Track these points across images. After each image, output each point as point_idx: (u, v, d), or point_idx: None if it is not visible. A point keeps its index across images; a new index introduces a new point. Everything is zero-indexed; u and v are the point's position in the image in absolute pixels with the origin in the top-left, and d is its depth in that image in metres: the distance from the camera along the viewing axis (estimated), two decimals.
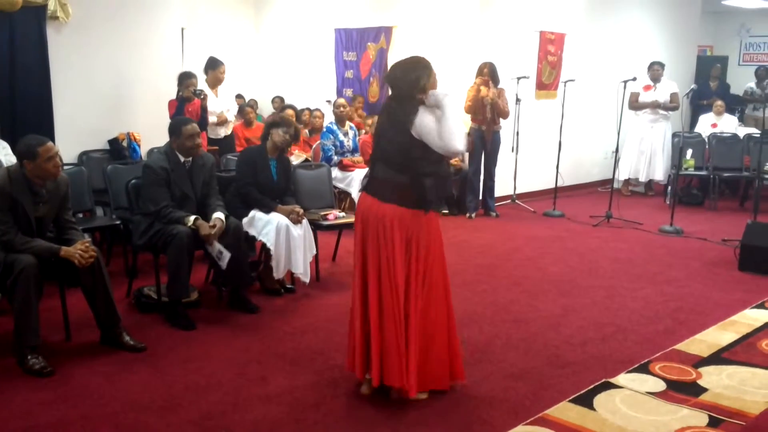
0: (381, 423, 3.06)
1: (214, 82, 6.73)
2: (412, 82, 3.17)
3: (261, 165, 4.81)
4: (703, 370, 3.68)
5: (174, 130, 4.35)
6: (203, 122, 6.18)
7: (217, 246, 4.20)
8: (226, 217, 4.34)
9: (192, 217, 4.18)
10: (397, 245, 3.10)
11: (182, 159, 4.33)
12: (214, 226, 4.20)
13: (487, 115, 7.48)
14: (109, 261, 5.14)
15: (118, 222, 5.09)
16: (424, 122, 3.05)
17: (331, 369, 3.61)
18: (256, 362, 3.68)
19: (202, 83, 6.49)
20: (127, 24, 6.34)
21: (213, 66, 6.73)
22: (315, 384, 3.43)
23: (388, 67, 8.65)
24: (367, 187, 3.24)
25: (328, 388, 3.38)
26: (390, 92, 3.40)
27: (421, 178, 3.07)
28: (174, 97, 6.24)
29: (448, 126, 3.02)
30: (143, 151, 6.30)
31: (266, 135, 4.90)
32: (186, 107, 6.09)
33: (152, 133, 6.32)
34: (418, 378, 3.14)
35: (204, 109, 6.23)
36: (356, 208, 3.31)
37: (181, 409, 3.16)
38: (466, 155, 7.84)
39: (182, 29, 7.57)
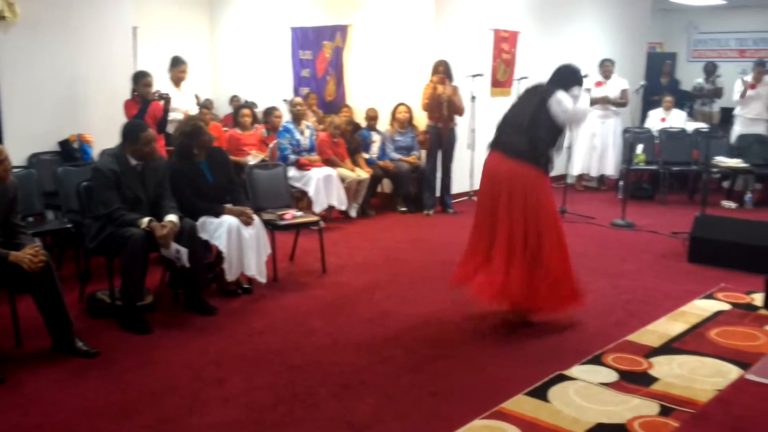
0: (338, 421, 3.07)
1: (177, 80, 6.82)
2: (574, 74, 4.32)
3: (192, 174, 4.70)
4: (655, 360, 3.78)
5: (130, 135, 4.27)
6: (163, 124, 6.20)
7: (174, 246, 4.15)
8: (181, 219, 4.29)
9: (146, 219, 4.13)
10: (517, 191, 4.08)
11: (134, 162, 4.27)
12: (165, 227, 4.14)
13: (443, 113, 7.54)
14: (61, 265, 5.04)
15: (69, 225, 4.98)
16: (561, 98, 4.11)
17: (290, 369, 3.60)
18: (214, 365, 3.65)
19: (160, 82, 6.44)
20: (77, 23, 6.22)
21: (175, 64, 6.87)
22: (273, 385, 3.42)
23: (345, 66, 8.75)
24: (494, 145, 4.25)
25: (287, 389, 3.37)
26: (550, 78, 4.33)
27: (537, 142, 4.08)
28: (129, 97, 6.15)
29: (580, 107, 4.25)
30: (95, 152, 6.18)
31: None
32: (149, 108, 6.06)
33: (104, 135, 6.19)
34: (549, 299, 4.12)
35: (166, 112, 6.23)
36: (485, 163, 4.28)
37: (137, 414, 3.12)
38: (423, 152, 7.89)
39: (134, 28, 7.46)
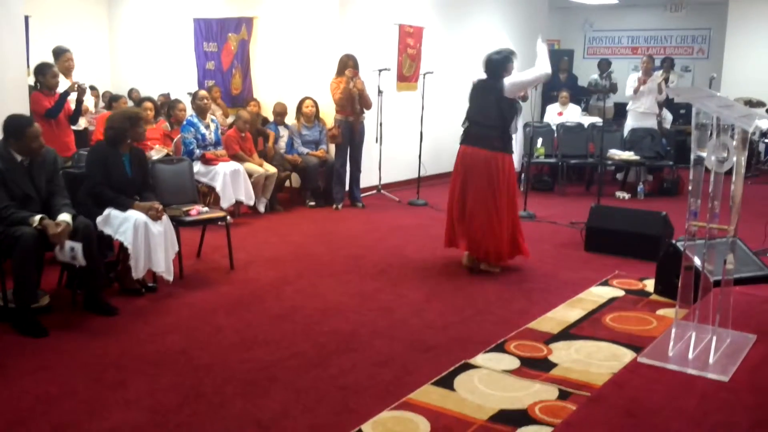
0: (245, 419, 3.04)
1: (65, 71, 6.55)
2: (502, 62, 5.22)
3: (112, 161, 4.59)
4: (554, 346, 3.93)
5: (14, 132, 4.04)
6: (76, 117, 6.08)
7: (68, 244, 3.98)
8: (74, 217, 4.11)
9: (37, 217, 3.94)
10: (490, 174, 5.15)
11: (20, 158, 4.06)
12: (59, 225, 3.97)
13: (356, 107, 7.56)
14: None
15: None
16: (511, 80, 5.14)
17: (195, 369, 3.54)
18: (114, 367, 3.53)
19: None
20: None
21: (58, 54, 6.64)
22: (178, 385, 3.35)
23: (251, 59, 8.62)
24: (465, 140, 5.29)
25: (191, 389, 3.31)
26: (484, 70, 5.24)
27: (508, 131, 5.14)
28: (32, 88, 5.90)
29: (528, 71, 5.26)
30: None
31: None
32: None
33: None
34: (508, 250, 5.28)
35: (80, 104, 6.12)
36: (458, 155, 5.31)
37: (31, 421, 2.98)
38: (332, 147, 7.89)
39: (27, 17, 7.08)
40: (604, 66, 11.44)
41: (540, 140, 8.93)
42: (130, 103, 8.98)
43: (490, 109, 5.14)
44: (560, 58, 12.14)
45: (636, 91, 9.22)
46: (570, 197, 8.74)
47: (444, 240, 5.53)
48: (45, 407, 3.11)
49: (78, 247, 3.99)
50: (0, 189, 3.94)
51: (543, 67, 5.25)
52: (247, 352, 3.77)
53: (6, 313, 4.06)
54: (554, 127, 9.37)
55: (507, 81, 5.12)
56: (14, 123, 4.12)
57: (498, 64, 5.22)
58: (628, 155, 8.54)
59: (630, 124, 9.45)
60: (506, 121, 5.13)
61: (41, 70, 5.90)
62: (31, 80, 6.52)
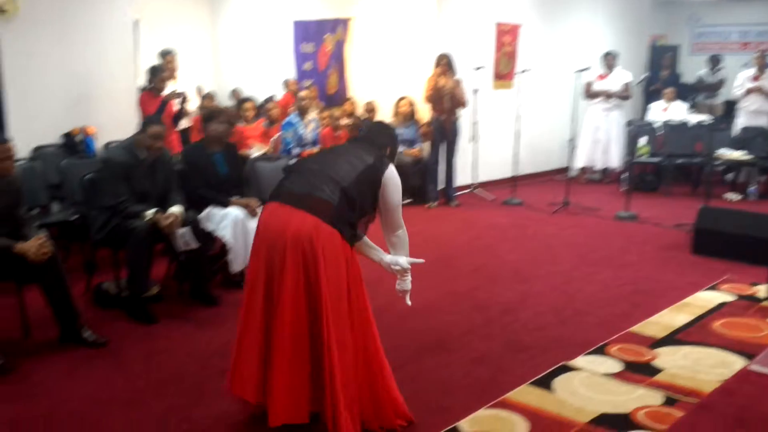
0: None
1: (170, 72, 6.93)
2: (390, 138, 3.20)
3: (204, 163, 4.71)
4: (659, 351, 3.79)
5: (142, 128, 4.32)
6: (177, 120, 6.41)
7: (179, 232, 4.17)
8: (186, 210, 4.30)
9: (151, 211, 4.14)
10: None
11: (144, 155, 4.28)
12: (169, 217, 4.15)
13: (445, 105, 7.54)
14: (67, 257, 5.05)
15: (75, 217, 5.00)
16: (393, 195, 3.02)
17: None
18: (218, 356, 3.65)
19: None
20: (78, 17, 6.24)
21: (163, 56, 7.03)
22: None
23: (346, 59, 8.75)
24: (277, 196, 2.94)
25: None
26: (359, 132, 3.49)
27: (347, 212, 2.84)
28: (139, 90, 6.25)
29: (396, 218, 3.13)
30: (98, 145, 6.21)
31: (204, 128, 4.84)
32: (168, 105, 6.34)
33: (107, 127, 6.23)
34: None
35: (181, 110, 6.57)
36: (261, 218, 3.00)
37: (144, 404, 3.14)
38: (426, 145, 7.89)
39: (135, 21, 7.47)
40: (714, 62, 10.90)
41: (644, 139, 8.60)
42: (229, 103, 9.31)
43: (342, 165, 2.88)
44: (662, 54, 11.66)
45: (750, 91, 8.73)
46: (675, 198, 8.37)
47: None
48: (156, 391, 3.27)
49: (187, 231, 4.17)
50: (122, 183, 4.18)
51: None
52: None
53: (120, 301, 4.29)
54: (659, 125, 9.01)
55: (393, 178, 2.98)
56: (145, 120, 4.39)
57: (387, 137, 3.20)
58: (740, 155, 8.10)
59: (741, 122, 8.97)
60: (352, 200, 2.84)
61: (153, 72, 6.23)
62: (142, 81, 6.88)
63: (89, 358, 3.61)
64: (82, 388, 3.28)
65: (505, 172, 8.72)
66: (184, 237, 4.19)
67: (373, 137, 3.15)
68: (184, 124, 7.04)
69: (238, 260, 4.61)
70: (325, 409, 2.72)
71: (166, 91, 6.47)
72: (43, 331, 3.86)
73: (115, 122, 6.37)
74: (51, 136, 6.08)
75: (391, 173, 2.96)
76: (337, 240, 2.75)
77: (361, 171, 2.86)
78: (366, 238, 3.14)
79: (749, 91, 8.81)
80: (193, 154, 4.78)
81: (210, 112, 4.89)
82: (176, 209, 4.25)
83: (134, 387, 3.30)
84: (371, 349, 2.91)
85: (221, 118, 4.77)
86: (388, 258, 3.14)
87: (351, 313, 2.82)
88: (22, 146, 5.44)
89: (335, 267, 2.74)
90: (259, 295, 2.79)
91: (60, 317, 3.75)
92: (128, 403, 3.15)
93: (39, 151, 5.86)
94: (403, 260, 3.12)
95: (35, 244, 3.52)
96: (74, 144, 6.13)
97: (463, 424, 2.96)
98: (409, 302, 3.15)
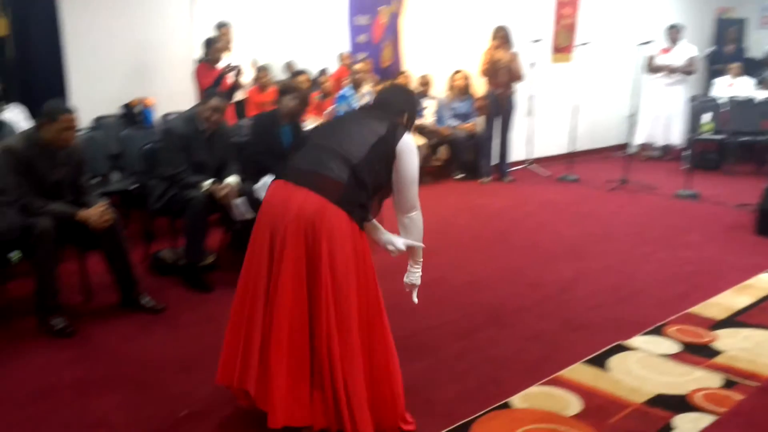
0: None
1: (225, 44, 6.95)
2: (407, 103, 2.85)
3: (271, 132, 4.75)
4: (718, 332, 3.68)
5: (203, 99, 4.38)
6: (231, 94, 6.50)
7: (235, 202, 4.23)
8: (242, 181, 4.35)
9: (207, 182, 4.20)
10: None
11: (203, 127, 4.33)
12: (224, 188, 4.21)
13: (501, 79, 7.41)
14: (127, 225, 5.16)
15: (134, 186, 5.11)
16: (408, 162, 2.67)
17: None
18: None
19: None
20: None
21: (218, 29, 7.00)
22: None
23: (401, 32, 8.65)
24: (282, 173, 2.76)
25: None
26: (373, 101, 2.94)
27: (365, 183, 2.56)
28: (197, 61, 6.31)
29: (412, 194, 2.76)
30: (156, 116, 6.31)
31: (278, 101, 4.87)
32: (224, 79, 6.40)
33: (165, 99, 6.33)
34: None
35: (236, 83, 6.60)
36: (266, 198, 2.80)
37: (199, 368, 3.20)
38: (480, 119, 7.79)
39: None
40: None
41: (707, 115, 8.29)
42: (281, 76, 9.34)
43: (353, 139, 2.59)
44: (726, 28, 11.19)
45: None
46: (738, 177, 8.09)
47: None
48: (210, 356, 3.31)
49: (243, 201, 4.24)
50: (181, 153, 4.24)
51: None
52: (393, 319, 3.81)
53: (176, 269, 4.38)
54: (723, 101, 8.68)
55: (408, 149, 2.66)
56: (206, 93, 4.47)
57: (412, 102, 2.91)
58: None
59: None
60: (362, 179, 2.53)
61: (208, 44, 6.29)
62: (198, 53, 6.94)
63: (147, 324, 3.71)
64: (139, 352, 3.37)
65: (561, 147, 8.56)
66: (239, 207, 4.25)
67: (389, 103, 2.79)
68: (239, 96, 7.10)
69: None
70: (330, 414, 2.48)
71: (221, 63, 6.53)
72: (104, 296, 3.98)
73: (172, 94, 6.47)
74: (111, 106, 6.20)
75: (406, 143, 2.62)
76: (344, 223, 2.46)
77: (373, 144, 2.54)
78: (374, 220, 2.82)
79: None
80: (263, 122, 4.82)
81: (285, 87, 4.92)
82: (232, 180, 4.30)
83: (189, 352, 3.38)
84: (378, 348, 2.64)
85: (295, 94, 4.78)
86: (385, 236, 2.82)
87: (359, 306, 2.55)
88: (84, 116, 5.58)
89: (342, 253, 2.45)
90: (258, 285, 2.54)
91: (120, 283, 3.85)
92: (183, 367, 3.22)
93: (100, 122, 6.00)
94: (400, 241, 2.79)
95: (97, 212, 3.62)
96: (133, 115, 6.25)
97: (515, 399, 2.94)
98: (415, 300, 2.91)
